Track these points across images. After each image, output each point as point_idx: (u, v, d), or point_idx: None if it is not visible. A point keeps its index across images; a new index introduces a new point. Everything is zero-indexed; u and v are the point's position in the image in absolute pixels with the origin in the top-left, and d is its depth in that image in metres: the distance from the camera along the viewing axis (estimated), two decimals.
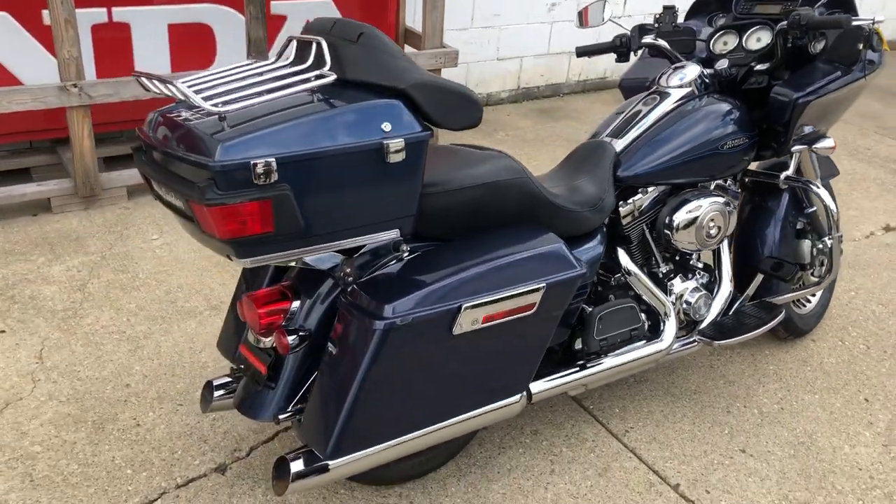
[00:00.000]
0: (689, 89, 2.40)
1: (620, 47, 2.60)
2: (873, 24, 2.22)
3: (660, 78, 2.49)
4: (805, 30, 2.24)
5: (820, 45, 2.42)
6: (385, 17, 4.24)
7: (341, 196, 1.63)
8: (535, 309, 1.87)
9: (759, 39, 2.48)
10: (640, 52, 2.71)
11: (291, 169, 1.54)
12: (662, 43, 2.55)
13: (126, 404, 2.42)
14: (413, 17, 4.46)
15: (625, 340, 2.28)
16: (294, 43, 1.87)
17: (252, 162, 1.52)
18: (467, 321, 1.77)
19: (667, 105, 2.37)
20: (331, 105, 1.63)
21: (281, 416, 1.86)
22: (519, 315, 1.85)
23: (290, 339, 1.81)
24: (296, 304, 1.88)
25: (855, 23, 2.23)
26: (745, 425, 2.50)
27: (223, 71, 1.85)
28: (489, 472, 2.25)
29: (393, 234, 1.74)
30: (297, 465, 1.77)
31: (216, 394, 2.08)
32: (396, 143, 1.64)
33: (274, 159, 1.53)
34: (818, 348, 2.93)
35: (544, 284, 1.85)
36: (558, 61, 5.47)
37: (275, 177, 1.53)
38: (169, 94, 1.65)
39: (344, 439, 1.72)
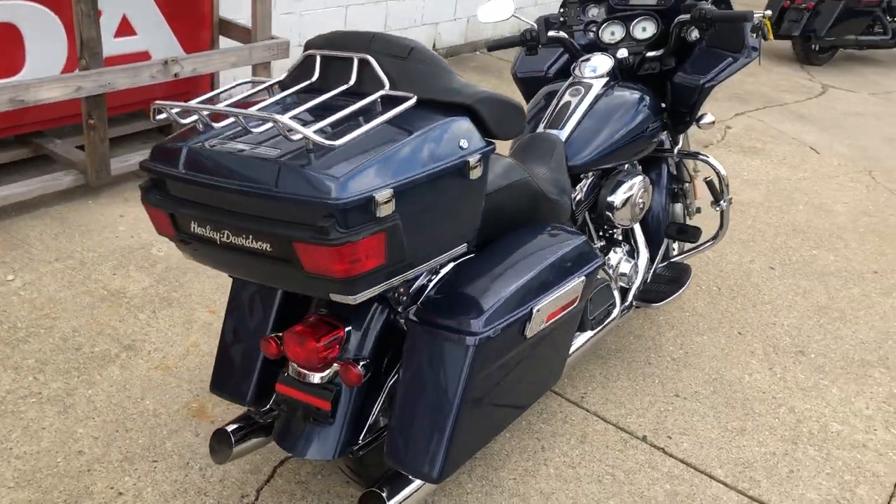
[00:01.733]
0: (606, 79, 2.63)
1: (530, 41, 2.74)
2: (763, 17, 2.60)
3: (575, 69, 2.68)
4: (710, 23, 2.55)
5: (695, 34, 2.76)
6: (199, 6, 3.97)
7: (434, 217, 1.64)
8: (578, 301, 2.00)
9: (644, 29, 2.76)
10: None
11: (401, 197, 1.52)
12: (566, 36, 2.74)
13: (91, 474, 2.16)
14: (226, 5, 4.21)
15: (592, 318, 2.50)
16: (317, 59, 1.79)
17: (374, 195, 1.48)
18: (537, 322, 1.86)
19: (591, 95, 2.58)
20: (415, 127, 1.62)
21: (345, 450, 1.83)
22: (568, 309, 1.97)
23: (360, 368, 1.77)
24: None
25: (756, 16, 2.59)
26: (668, 372, 2.86)
27: (252, 94, 1.75)
28: (492, 461, 2.36)
29: (462, 249, 1.77)
30: (392, 495, 1.75)
31: (234, 439, 1.96)
32: (475, 159, 1.67)
33: (391, 190, 1.50)
34: (685, 295, 3.38)
35: (584, 277, 1.99)
36: None
37: (392, 207, 1.50)
38: (249, 121, 1.54)
39: (449, 459, 1.73)
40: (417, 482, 1.82)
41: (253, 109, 1.66)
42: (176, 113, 1.68)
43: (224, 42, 4.12)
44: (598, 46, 2.82)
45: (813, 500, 2.36)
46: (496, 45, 2.79)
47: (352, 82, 1.74)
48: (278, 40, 3.93)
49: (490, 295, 1.79)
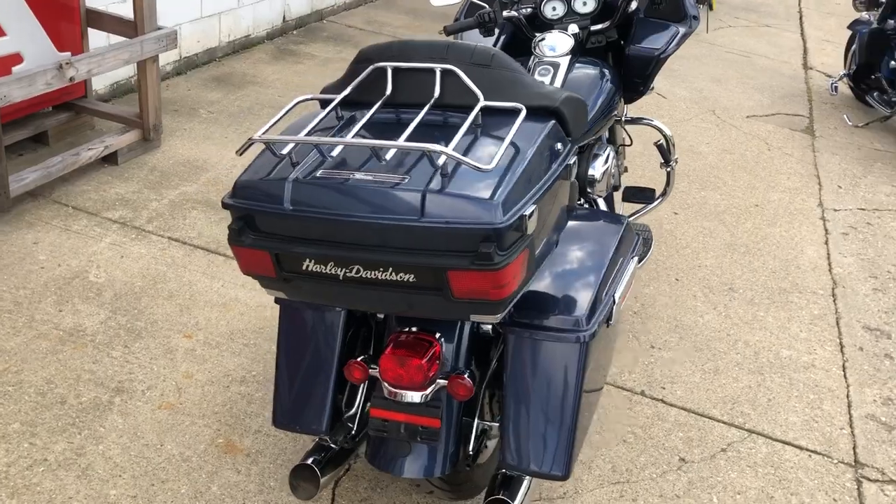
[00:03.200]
0: (569, 57, 2.71)
1: (488, 23, 2.76)
2: None
3: (535, 49, 2.74)
4: None
5: (634, 5, 2.91)
6: None
7: (547, 224, 1.67)
8: (633, 282, 2.11)
9: (585, 3, 2.86)
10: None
11: (535, 211, 1.54)
12: (518, 15, 2.79)
13: None
14: None
15: None
16: (388, 72, 1.73)
17: (524, 213, 1.49)
18: (617, 310, 1.94)
19: (561, 74, 2.66)
20: (524, 136, 1.62)
21: (453, 464, 1.84)
22: (630, 289, 2.08)
23: (469, 381, 1.77)
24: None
25: None
26: (636, 326, 3.08)
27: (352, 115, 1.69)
28: None
29: (553, 250, 1.81)
30: (513, 498, 1.79)
31: (319, 472, 1.90)
32: (571, 161, 1.71)
33: (535, 205, 1.51)
34: None
35: (636, 257, 2.10)
36: (210, 24, 5.13)
37: (535, 223, 1.52)
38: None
39: (574, 453, 1.80)
40: (527, 482, 1.86)
41: (352, 136, 1.59)
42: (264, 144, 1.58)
43: (94, 36, 3.73)
44: (543, 23, 2.89)
45: (795, 422, 2.68)
46: (455, 30, 2.78)
47: (437, 95, 1.71)
48: (166, 30, 3.63)
49: (582, 290, 1.85)
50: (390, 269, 1.52)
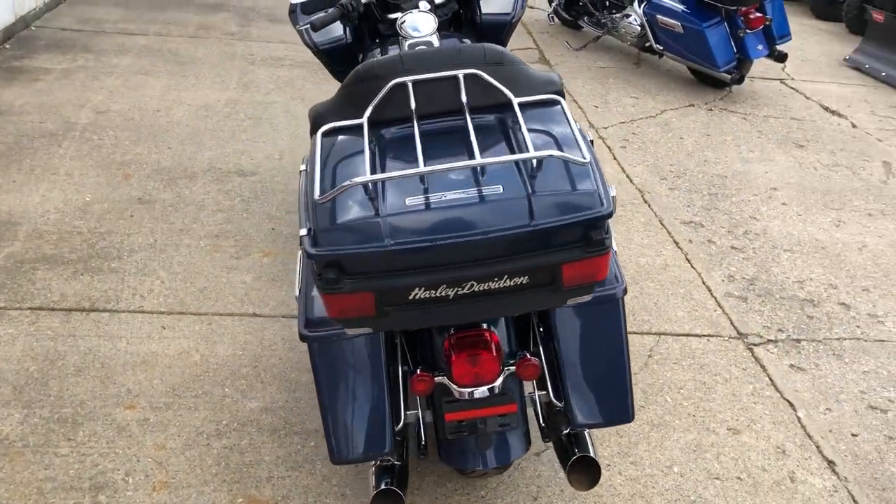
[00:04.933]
0: (437, 34, 2.81)
1: (353, 11, 2.75)
2: None
3: (401, 30, 2.77)
4: None
5: None
6: None
7: None
8: None
9: None
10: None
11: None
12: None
13: None
14: None
15: None
16: (410, 86, 1.73)
17: (614, 195, 1.63)
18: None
19: None
20: (559, 122, 1.74)
21: (529, 439, 1.97)
22: None
23: (536, 360, 1.90)
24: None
25: None
26: None
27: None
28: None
29: None
30: (589, 451, 1.97)
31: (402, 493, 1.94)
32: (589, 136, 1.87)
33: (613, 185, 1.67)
34: None
35: None
36: None
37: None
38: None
39: (632, 397, 2.00)
40: (587, 434, 2.04)
41: (423, 159, 1.59)
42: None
43: None
44: (389, 4, 2.93)
45: (683, 316, 3.16)
46: (322, 24, 2.73)
47: (465, 100, 1.76)
48: None
49: None
50: (505, 276, 1.59)
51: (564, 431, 2.01)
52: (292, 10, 3.07)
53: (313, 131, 1.87)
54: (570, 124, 1.72)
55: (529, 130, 1.68)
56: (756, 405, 2.73)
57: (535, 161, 1.62)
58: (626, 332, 1.99)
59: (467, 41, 2.88)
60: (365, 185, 1.58)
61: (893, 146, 5.10)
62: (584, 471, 1.96)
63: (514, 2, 3.02)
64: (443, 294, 1.60)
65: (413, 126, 1.73)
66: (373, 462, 1.98)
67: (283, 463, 2.32)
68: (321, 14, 2.87)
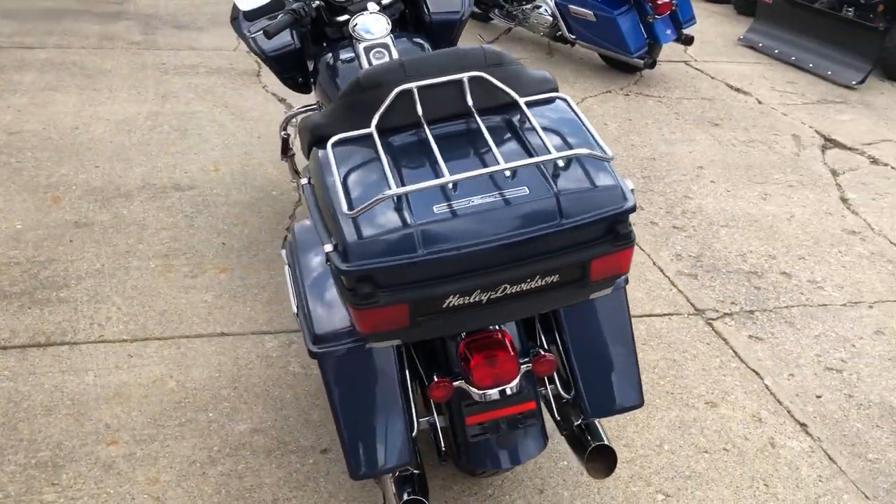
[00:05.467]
0: (391, 35, 2.78)
1: (305, 17, 2.68)
2: None
3: (354, 33, 2.73)
4: None
5: None
6: None
7: None
8: None
9: None
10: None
11: None
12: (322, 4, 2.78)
13: None
14: None
15: None
16: (415, 92, 1.71)
17: (632, 188, 1.67)
18: None
19: (395, 53, 2.72)
20: (570, 119, 1.76)
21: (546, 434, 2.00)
22: None
23: (550, 355, 1.92)
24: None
25: None
26: None
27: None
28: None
29: None
30: (604, 438, 2.01)
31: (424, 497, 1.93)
32: None
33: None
34: None
35: None
36: None
37: None
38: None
39: (640, 381, 2.05)
40: (598, 422, 2.08)
41: (455, 175, 1.57)
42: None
43: None
44: (337, 8, 2.88)
45: (643, 297, 3.26)
46: (276, 30, 2.65)
47: (471, 102, 1.75)
48: None
49: None
50: (537, 276, 1.60)
51: (577, 423, 2.05)
52: (235, 17, 2.98)
53: (312, 144, 1.83)
54: (581, 121, 1.74)
55: (544, 129, 1.69)
56: (726, 377, 2.85)
57: (549, 161, 1.64)
58: (630, 320, 2.04)
59: (420, 41, 2.87)
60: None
61: (797, 119, 5.39)
62: (601, 459, 2.00)
63: (457, 4, 3.02)
64: (476, 299, 1.60)
65: (423, 132, 1.72)
66: (391, 473, 1.96)
67: (285, 484, 2.26)
68: (267, 21, 2.81)
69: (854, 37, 6.18)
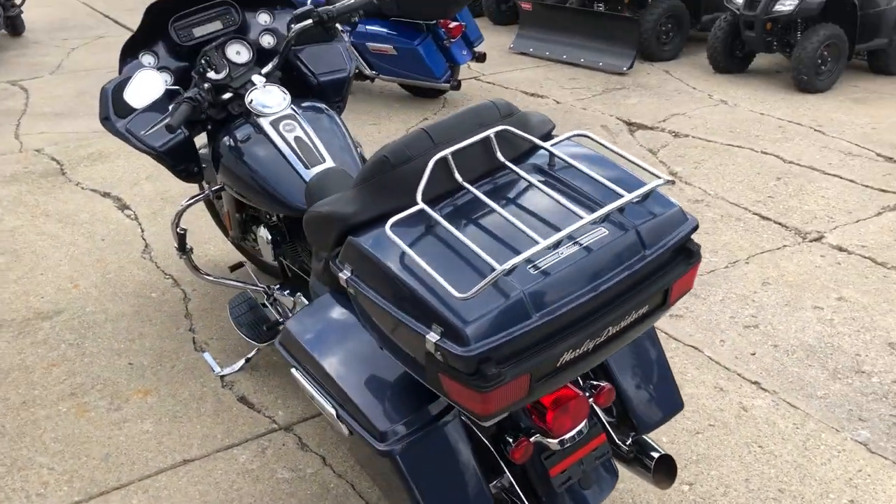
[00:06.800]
0: (291, 105, 2.66)
1: (203, 102, 2.51)
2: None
3: (252, 108, 2.60)
4: (336, 18, 2.77)
5: (271, 41, 2.91)
6: None
7: None
8: None
9: (238, 52, 2.78)
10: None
11: None
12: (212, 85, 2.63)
13: None
14: None
15: None
16: (450, 159, 1.68)
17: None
18: None
19: (302, 122, 2.62)
20: (602, 155, 1.82)
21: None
22: None
23: (608, 384, 1.95)
24: None
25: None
26: None
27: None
28: None
29: None
30: (657, 448, 2.07)
31: None
32: None
33: None
34: None
35: None
36: None
37: None
38: None
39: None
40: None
41: (557, 234, 1.54)
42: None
43: None
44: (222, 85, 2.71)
45: None
46: (179, 122, 2.44)
47: (501, 157, 1.74)
48: None
49: None
50: (633, 311, 1.63)
51: (628, 442, 2.09)
52: (106, 116, 2.69)
53: (344, 235, 1.71)
54: (614, 151, 1.79)
55: (587, 167, 1.72)
56: (674, 358, 3.04)
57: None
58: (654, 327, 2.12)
59: (320, 106, 2.78)
60: (489, 266, 1.50)
61: (597, 111, 5.85)
62: (664, 469, 2.06)
63: (343, 56, 2.96)
64: (585, 349, 1.59)
65: (466, 195, 1.69)
66: None
67: None
68: (156, 114, 2.61)
69: (615, 28, 6.81)
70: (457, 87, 5.82)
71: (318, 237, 1.82)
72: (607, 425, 2.09)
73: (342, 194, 1.79)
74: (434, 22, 5.64)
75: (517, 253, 1.52)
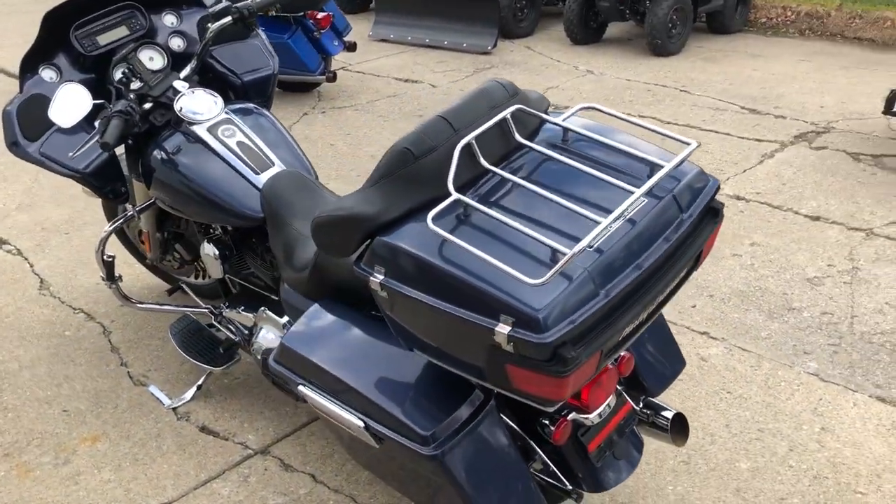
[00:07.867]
0: (224, 109, 2.50)
1: (135, 114, 2.31)
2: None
3: (185, 117, 2.42)
4: (255, 14, 2.60)
5: (181, 44, 2.72)
6: None
7: None
8: None
9: (152, 59, 2.58)
10: None
11: None
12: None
13: None
14: None
15: None
16: (474, 144, 1.62)
17: None
18: None
19: (242, 125, 2.47)
20: (616, 126, 1.81)
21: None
22: None
23: (628, 352, 1.96)
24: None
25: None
26: None
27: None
28: None
29: None
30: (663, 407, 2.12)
31: None
32: None
33: None
34: None
35: None
36: None
37: None
38: None
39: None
40: None
41: (618, 210, 1.51)
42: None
43: None
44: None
45: None
46: (115, 139, 2.22)
47: (518, 137, 1.70)
48: None
49: None
50: (677, 276, 1.64)
51: (640, 406, 2.12)
52: (14, 141, 2.41)
53: (368, 237, 1.62)
54: (627, 121, 1.78)
55: (611, 140, 1.70)
56: None
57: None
58: None
59: (251, 106, 2.61)
60: (552, 250, 1.45)
61: None
62: (678, 426, 2.11)
63: (265, 54, 2.80)
64: (641, 318, 1.59)
65: (496, 177, 1.63)
66: None
67: None
68: (61, 133, 2.39)
69: (475, 9, 6.87)
70: (332, 78, 5.67)
71: (335, 242, 1.70)
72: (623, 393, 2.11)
73: (358, 193, 1.68)
74: (301, 14, 5.46)
75: (571, 234, 1.49)
